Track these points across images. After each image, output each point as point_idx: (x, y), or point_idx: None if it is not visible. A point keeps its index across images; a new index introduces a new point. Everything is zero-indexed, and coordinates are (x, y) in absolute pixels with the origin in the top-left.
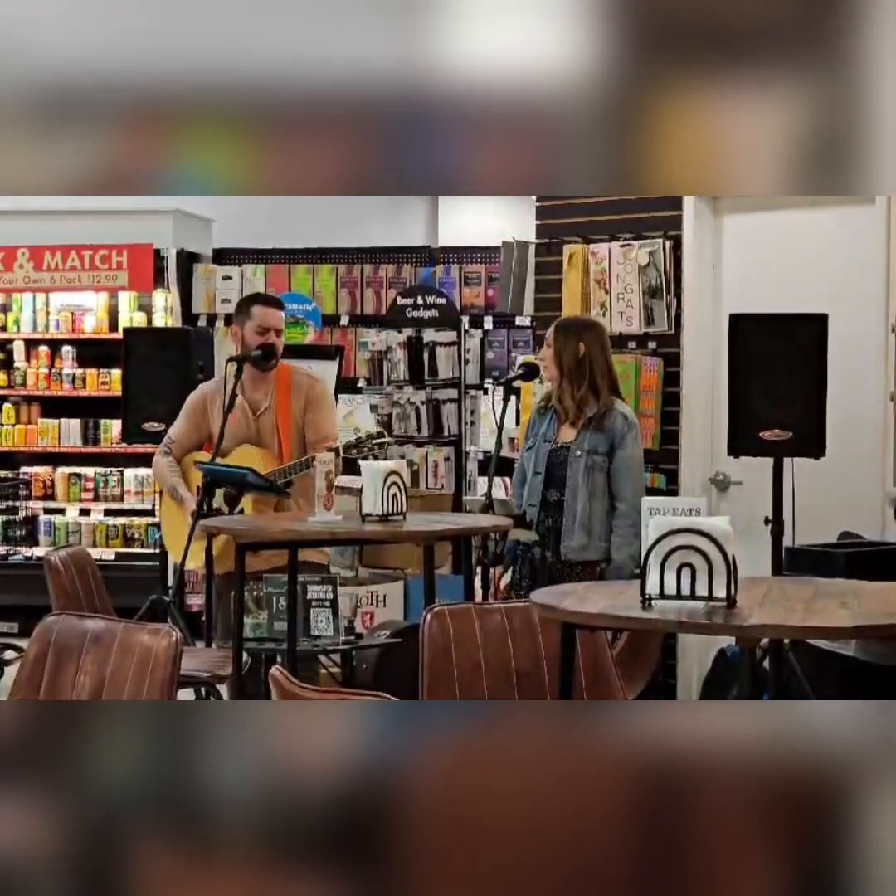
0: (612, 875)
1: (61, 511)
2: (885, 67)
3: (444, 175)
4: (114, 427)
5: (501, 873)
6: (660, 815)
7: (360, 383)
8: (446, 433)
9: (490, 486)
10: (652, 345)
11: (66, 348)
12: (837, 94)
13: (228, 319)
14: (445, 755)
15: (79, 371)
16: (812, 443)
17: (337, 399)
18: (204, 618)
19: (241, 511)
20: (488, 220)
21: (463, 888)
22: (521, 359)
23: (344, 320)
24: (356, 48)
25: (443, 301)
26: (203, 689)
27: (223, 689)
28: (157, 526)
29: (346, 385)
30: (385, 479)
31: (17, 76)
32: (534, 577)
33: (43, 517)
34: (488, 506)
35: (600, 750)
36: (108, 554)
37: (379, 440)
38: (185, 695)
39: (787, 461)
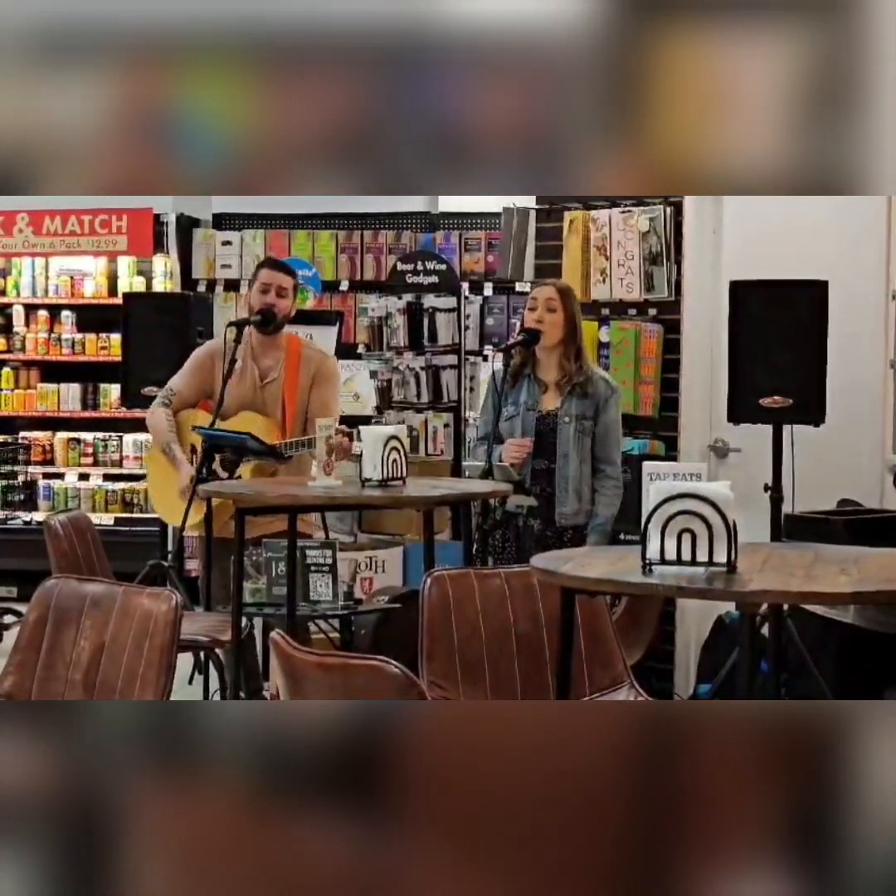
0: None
1: (60, 476)
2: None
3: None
4: (113, 392)
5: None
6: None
7: (360, 349)
8: (446, 399)
9: (489, 452)
10: (652, 312)
11: (66, 313)
12: (838, 94)
13: (228, 285)
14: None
15: (78, 336)
16: (812, 410)
17: None
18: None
19: (239, 477)
20: None
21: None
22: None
23: (343, 286)
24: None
25: (443, 267)
26: (202, 654)
27: (222, 654)
28: None
29: (345, 351)
30: (385, 445)
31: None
32: (519, 543)
33: (42, 482)
34: (487, 472)
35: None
36: (107, 519)
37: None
38: (185, 659)
39: (786, 428)
